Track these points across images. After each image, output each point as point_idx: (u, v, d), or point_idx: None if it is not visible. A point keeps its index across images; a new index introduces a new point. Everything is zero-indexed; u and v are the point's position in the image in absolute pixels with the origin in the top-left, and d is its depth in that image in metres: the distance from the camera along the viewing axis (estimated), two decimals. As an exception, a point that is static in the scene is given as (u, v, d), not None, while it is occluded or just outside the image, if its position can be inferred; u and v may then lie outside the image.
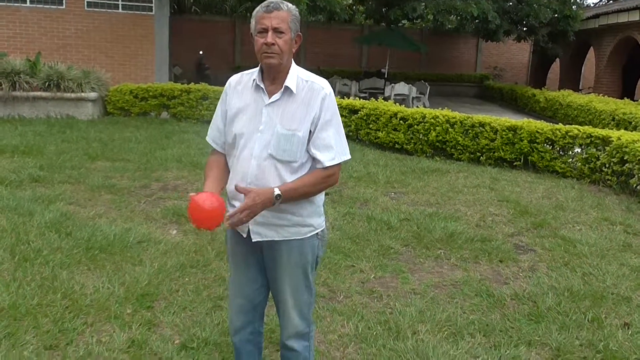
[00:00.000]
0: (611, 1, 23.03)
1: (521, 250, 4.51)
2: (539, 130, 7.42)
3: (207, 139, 2.21)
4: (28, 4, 12.08)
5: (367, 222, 4.92)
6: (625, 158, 6.35)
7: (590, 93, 15.31)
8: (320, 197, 2.15)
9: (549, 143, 7.41)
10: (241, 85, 2.10)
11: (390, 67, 16.13)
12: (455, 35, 20.52)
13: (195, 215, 1.92)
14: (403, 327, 3.12)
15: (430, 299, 3.51)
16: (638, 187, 6.17)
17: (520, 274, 4.03)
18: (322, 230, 2.17)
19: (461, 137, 7.92)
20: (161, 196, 5.49)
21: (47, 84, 10.01)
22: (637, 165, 6.14)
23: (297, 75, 2.04)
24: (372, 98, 9.60)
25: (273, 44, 1.94)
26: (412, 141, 8.25)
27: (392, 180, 6.58)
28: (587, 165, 6.99)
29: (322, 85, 2.03)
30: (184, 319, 3.12)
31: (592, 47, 18.91)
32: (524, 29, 17.19)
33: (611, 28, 16.68)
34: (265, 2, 1.98)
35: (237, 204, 2.07)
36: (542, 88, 16.90)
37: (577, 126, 7.42)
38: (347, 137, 9.65)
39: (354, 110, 9.06)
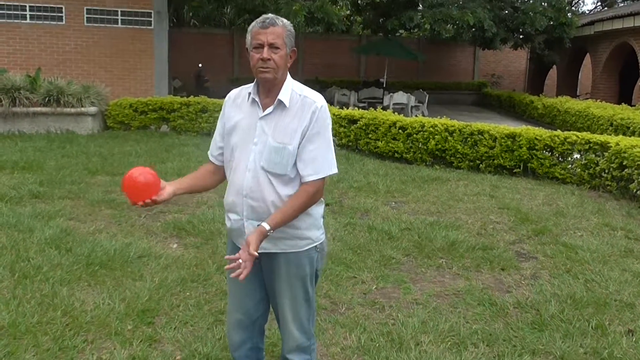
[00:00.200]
0: (606, 8, 23.18)
1: (523, 258, 4.49)
2: (537, 137, 7.44)
3: (208, 152, 2.27)
4: (28, 20, 12.16)
5: (368, 232, 4.91)
6: (624, 163, 6.35)
7: (588, 99, 15.37)
8: (318, 210, 2.15)
9: (548, 150, 7.42)
10: (240, 98, 2.14)
11: (388, 76, 16.20)
12: (453, 43, 20.65)
13: (126, 184, 1.99)
14: (406, 338, 3.10)
15: (432, 309, 3.49)
16: (638, 192, 6.17)
17: (522, 281, 4.01)
18: (320, 243, 2.18)
19: (460, 145, 7.93)
20: (161, 210, 5.48)
21: (47, 99, 10.04)
22: (636, 171, 6.14)
23: (292, 89, 2.06)
24: (371, 108, 9.62)
25: (269, 60, 1.97)
26: (412, 150, 8.26)
27: (393, 190, 6.58)
28: (586, 171, 6.99)
29: (315, 99, 2.05)
30: (185, 335, 3.10)
31: (588, 54, 19.01)
32: (521, 36, 17.30)
33: (606, 34, 16.77)
34: (260, 18, 2.01)
35: (233, 216, 2.11)
36: (540, 95, 16.96)
37: (575, 132, 7.44)
38: (347, 147, 9.64)
39: (353, 120, 9.09)
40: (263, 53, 1.96)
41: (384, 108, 10.08)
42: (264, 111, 2.05)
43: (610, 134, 8.84)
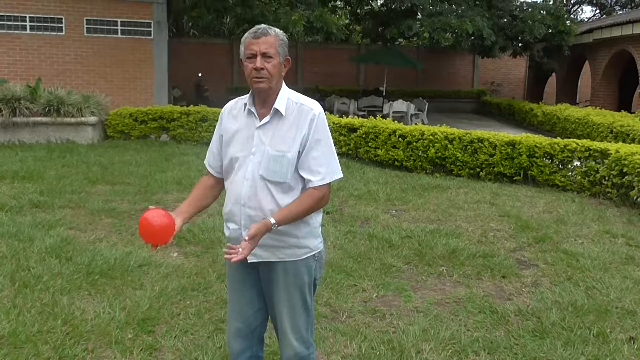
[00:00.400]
0: (604, 15, 23.30)
1: (524, 266, 4.49)
2: (537, 145, 7.45)
3: (205, 161, 2.29)
4: (28, 31, 12.23)
5: (369, 241, 4.91)
6: (624, 170, 6.35)
7: (587, 106, 15.40)
8: (316, 219, 2.16)
9: (548, 157, 7.43)
10: (236, 109, 2.17)
11: (387, 84, 16.27)
12: (452, 52, 20.73)
13: (142, 229, 2.01)
14: (407, 347, 3.09)
15: (433, 317, 3.48)
16: (638, 199, 6.16)
17: (523, 289, 4.00)
18: (319, 252, 2.18)
19: (460, 153, 7.94)
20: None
21: (47, 109, 10.07)
22: (636, 178, 6.14)
23: (288, 98, 2.08)
24: (370, 116, 9.65)
25: (262, 69, 1.99)
26: (412, 158, 8.27)
27: (393, 198, 6.59)
28: (586, 178, 7.00)
29: (312, 106, 2.07)
30: (185, 343, 3.09)
31: (587, 61, 19.08)
32: (519, 44, 17.38)
33: (605, 42, 16.85)
34: (253, 29, 2.04)
35: (232, 225, 2.12)
36: (540, 102, 17.01)
37: (575, 140, 7.46)
38: (347, 155, 9.64)
39: (352, 129, 9.11)
40: (256, 62, 1.98)
41: (384, 116, 10.12)
42: (260, 121, 2.07)
43: (610, 141, 8.85)
